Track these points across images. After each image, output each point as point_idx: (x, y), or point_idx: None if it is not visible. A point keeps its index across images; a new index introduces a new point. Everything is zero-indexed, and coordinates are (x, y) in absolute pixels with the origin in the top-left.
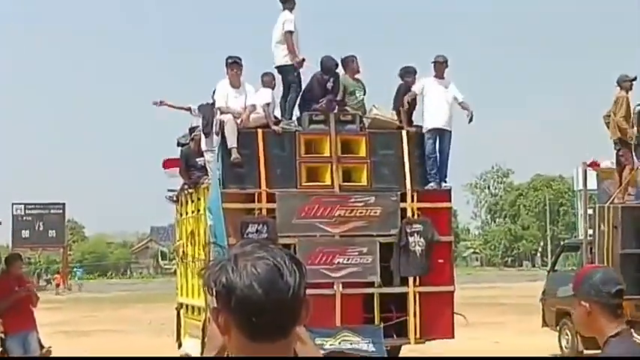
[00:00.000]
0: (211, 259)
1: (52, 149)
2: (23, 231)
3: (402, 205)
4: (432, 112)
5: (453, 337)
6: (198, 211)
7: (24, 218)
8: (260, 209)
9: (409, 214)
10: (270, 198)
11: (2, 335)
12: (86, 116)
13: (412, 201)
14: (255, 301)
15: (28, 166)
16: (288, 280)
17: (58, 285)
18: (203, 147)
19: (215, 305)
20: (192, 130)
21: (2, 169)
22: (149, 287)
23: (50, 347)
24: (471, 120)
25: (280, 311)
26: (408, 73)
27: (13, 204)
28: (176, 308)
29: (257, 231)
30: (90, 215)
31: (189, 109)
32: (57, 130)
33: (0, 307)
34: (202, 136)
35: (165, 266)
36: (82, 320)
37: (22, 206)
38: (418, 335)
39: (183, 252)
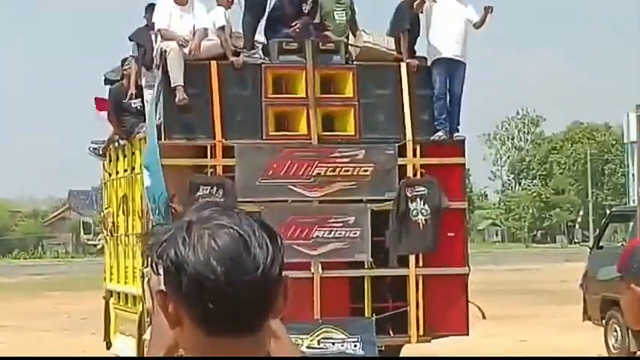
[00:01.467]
0: (149, 230)
1: None
2: None
3: (401, 160)
4: (441, 38)
5: (468, 334)
6: (133, 169)
7: None
8: (214, 167)
9: (410, 172)
10: (228, 152)
11: None
12: None
13: (414, 155)
14: (212, 283)
15: None
16: (256, 255)
17: None
18: (143, 83)
19: (162, 288)
20: (123, 61)
21: None
22: (67, 270)
23: None
24: (482, 23)
25: (246, 297)
26: None
27: None
28: (104, 297)
29: (210, 194)
30: None
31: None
32: None
33: None
34: (140, 70)
35: (89, 242)
36: None
37: None
38: (422, 331)
39: (113, 223)
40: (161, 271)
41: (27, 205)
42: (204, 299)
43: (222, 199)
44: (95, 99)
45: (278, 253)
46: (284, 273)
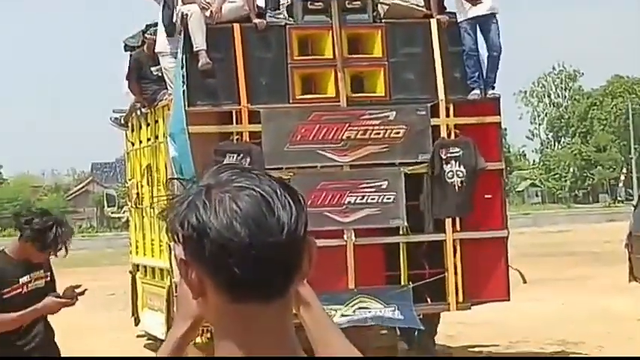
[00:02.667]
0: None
1: None
2: None
3: (434, 121)
4: None
5: (509, 299)
6: (157, 138)
7: None
8: (240, 133)
9: (443, 133)
10: (254, 117)
11: None
12: None
13: (447, 115)
14: (236, 246)
15: None
16: (280, 216)
17: None
18: (163, 49)
19: (183, 257)
20: (147, 27)
21: None
22: (92, 245)
23: None
24: None
25: (271, 259)
26: None
27: None
28: (130, 272)
29: (237, 162)
30: (8, 151)
31: None
32: None
33: None
34: (163, 35)
35: (114, 215)
36: None
37: None
38: (461, 298)
39: (138, 195)
40: (182, 239)
41: (49, 179)
42: (228, 264)
43: (249, 167)
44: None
45: (302, 213)
46: (311, 238)
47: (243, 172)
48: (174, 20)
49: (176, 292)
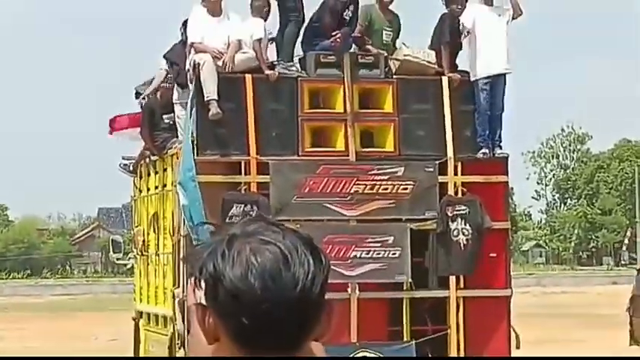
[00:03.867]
0: (181, 251)
1: None
2: None
3: (442, 178)
4: (487, 54)
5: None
6: (165, 186)
7: None
8: (248, 184)
9: (451, 191)
10: (262, 168)
11: None
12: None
13: (455, 173)
14: (248, 298)
15: None
16: (296, 273)
17: None
18: (174, 99)
19: (202, 302)
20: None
21: None
22: (96, 290)
23: None
24: (518, 9)
25: (282, 314)
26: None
27: None
28: (133, 318)
29: (244, 212)
30: (15, 193)
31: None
32: None
33: None
34: (175, 88)
35: (119, 261)
36: (4, 335)
37: None
38: (462, 355)
39: (144, 242)
40: (201, 284)
41: (55, 222)
42: (238, 313)
43: (278, 222)
44: (110, 120)
45: (320, 272)
46: (332, 300)
47: (270, 226)
48: (186, 68)
49: (177, 340)
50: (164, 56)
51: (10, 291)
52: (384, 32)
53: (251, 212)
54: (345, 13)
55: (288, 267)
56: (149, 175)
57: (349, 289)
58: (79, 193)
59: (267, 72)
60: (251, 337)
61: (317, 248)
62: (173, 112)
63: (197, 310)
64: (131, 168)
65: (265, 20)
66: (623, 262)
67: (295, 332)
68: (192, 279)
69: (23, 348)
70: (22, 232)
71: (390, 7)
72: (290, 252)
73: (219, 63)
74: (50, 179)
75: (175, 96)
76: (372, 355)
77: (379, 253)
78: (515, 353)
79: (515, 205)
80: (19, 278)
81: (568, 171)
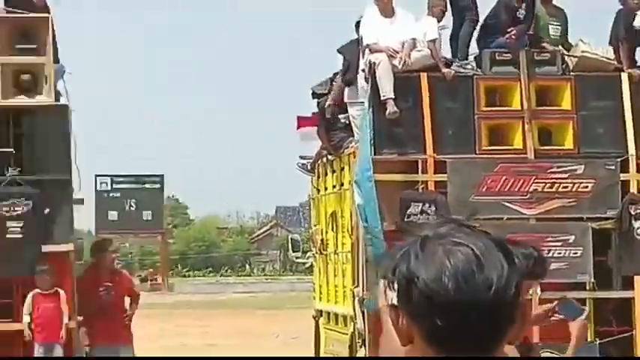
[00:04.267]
0: (360, 249)
1: (144, 108)
2: (110, 212)
3: (624, 176)
4: None
5: None
6: (342, 185)
7: (110, 195)
8: (425, 182)
9: (633, 189)
10: (440, 167)
11: (87, 349)
12: (190, 62)
13: (637, 171)
14: (441, 299)
15: (117, 129)
16: (489, 275)
17: (153, 283)
18: (346, 99)
19: (394, 302)
20: (335, 75)
21: (86, 133)
22: (275, 288)
23: None
24: None
25: (475, 316)
26: None
27: (96, 176)
28: (314, 317)
29: (421, 212)
30: (195, 192)
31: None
32: (148, 85)
33: (85, 311)
34: (345, 88)
35: (298, 260)
36: (188, 332)
37: (109, 180)
38: None
39: (322, 241)
40: (394, 285)
41: (233, 221)
42: (432, 314)
43: (434, 217)
44: (297, 117)
45: (514, 274)
46: (527, 301)
47: (462, 227)
48: (361, 68)
49: (358, 339)
50: (338, 50)
51: (192, 289)
52: (551, 27)
53: (429, 211)
54: (519, 11)
55: (481, 268)
56: (326, 174)
57: (531, 290)
58: (258, 192)
59: (444, 70)
60: (445, 339)
61: (510, 250)
62: (346, 111)
63: (390, 311)
64: (309, 167)
65: (439, 21)
66: None
67: (489, 334)
68: (384, 281)
69: (205, 345)
70: (202, 231)
71: (555, 3)
72: (482, 254)
73: (395, 62)
74: (229, 178)
75: (346, 96)
76: (554, 355)
77: (560, 253)
78: None
79: None
80: (200, 276)
81: None
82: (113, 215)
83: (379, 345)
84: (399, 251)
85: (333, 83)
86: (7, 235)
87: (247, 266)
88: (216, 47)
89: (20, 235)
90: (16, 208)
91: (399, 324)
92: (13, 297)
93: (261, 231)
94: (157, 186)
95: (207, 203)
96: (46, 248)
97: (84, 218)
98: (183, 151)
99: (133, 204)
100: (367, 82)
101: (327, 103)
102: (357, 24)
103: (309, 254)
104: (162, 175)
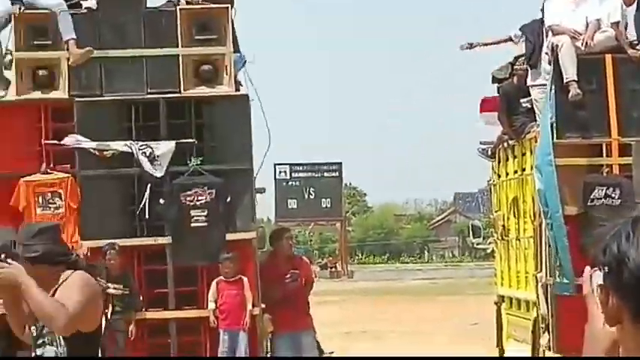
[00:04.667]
0: (543, 234)
1: (325, 96)
2: (289, 200)
3: None
4: None
5: None
6: (523, 170)
7: (289, 184)
8: (610, 166)
9: None
10: (624, 150)
11: (270, 335)
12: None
13: None
14: None
15: (295, 118)
16: None
17: (333, 270)
18: (529, 82)
19: (603, 283)
20: (516, 59)
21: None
22: (454, 274)
23: (332, 353)
24: None
25: None
26: None
27: (275, 165)
28: (495, 303)
29: (605, 196)
30: (373, 179)
31: (509, 39)
32: (331, 70)
33: (268, 299)
34: (528, 68)
35: (479, 246)
36: (368, 318)
37: (287, 168)
38: None
39: (504, 227)
40: (603, 266)
41: (411, 208)
42: None
43: (618, 201)
44: (482, 99)
45: None
46: None
47: None
48: (544, 51)
49: (542, 324)
50: (520, 29)
51: (372, 276)
52: None
53: (613, 195)
54: None
55: None
56: (507, 159)
57: None
58: (435, 179)
59: (630, 51)
60: None
61: None
62: (530, 95)
63: (600, 292)
64: (489, 153)
65: (628, 4)
66: None
67: None
68: (588, 267)
69: (385, 332)
70: (380, 218)
71: None
72: None
73: (578, 44)
74: (404, 164)
75: (529, 79)
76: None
77: None
78: None
79: None
80: (378, 263)
81: None
82: (292, 203)
83: (585, 331)
84: (610, 232)
85: (515, 67)
86: (192, 224)
87: (426, 253)
88: (389, 29)
89: (205, 224)
90: (199, 198)
91: (609, 304)
92: (198, 284)
93: (440, 217)
94: (336, 174)
95: (385, 191)
96: (229, 236)
97: (264, 207)
98: (360, 139)
99: (312, 192)
100: (549, 65)
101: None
102: (542, 7)
103: (490, 240)
104: (341, 162)
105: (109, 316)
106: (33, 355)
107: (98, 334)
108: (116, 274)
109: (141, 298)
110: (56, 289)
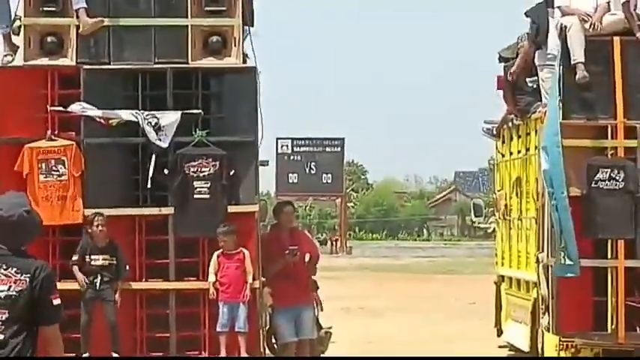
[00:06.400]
0: (546, 215)
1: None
2: (290, 174)
3: None
4: None
5: None
6: (527, 150)
7: (291, 158)
8: (615, 148)
9: None
10: (630, 133)
11: (270, 310)
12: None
13: None
14: None
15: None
16: None
17: (334, 244)
18: (536, 62)
19: None
20: (521, 39)
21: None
22: (453, 253)
23: (330, 328)
24: None
25: None
26: None
27: (277, 139)
28: (495, 282)
29: (610, 178)
30: (374, 156)
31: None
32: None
33: (269, 272)
34: (535, 50)
35: (480, 225)
36: (367, 294)
37: (289, 142)
38: None
39: (506, 206)
40: None
41: (412, 185)
42: None
43: (622, 184)
44: (498, 77)
45: None
46: None
47: None
48: (551, 32)
49: (542, 304)
50: (525, 13)
51: (371, 252)
52: None
53: (617, 177)
54: None
55: None
56: (512, 139)
57: None
58: (436, 156)
59: (638, 34)
60: None
61: None
62: (536, 75)
63: None
64: (494, 132)
65: None
66: None
67: None
68: None
69: (384, 308)
70: (381, 195)
71: None
72: None
73: (586, 26)
74: (408, 142)
75: (536, 58)
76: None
77: None
78: None
79: None
80: (378, 239)
81: None
82: (293, 178)
83: None
84: None
85: (520, 45)
86: (195, 196)
87: (425, 231)
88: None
89: (207, 196)
90: (203, 169)
91: None
92: (199, 256)
93: (440, 196)
94: (338, 149)
95: (386, 167)
96: (232, 208)
97: (265, 181)
98: (363, 115)
99: (313, 167)
100: (557, 46)
101: (512, 69)
102: None
103: (491, 219)
104: (343, 138)
105: (97, 287)
106: None
107: None
108: (103, 245)
109: (127, 267)
110: None
